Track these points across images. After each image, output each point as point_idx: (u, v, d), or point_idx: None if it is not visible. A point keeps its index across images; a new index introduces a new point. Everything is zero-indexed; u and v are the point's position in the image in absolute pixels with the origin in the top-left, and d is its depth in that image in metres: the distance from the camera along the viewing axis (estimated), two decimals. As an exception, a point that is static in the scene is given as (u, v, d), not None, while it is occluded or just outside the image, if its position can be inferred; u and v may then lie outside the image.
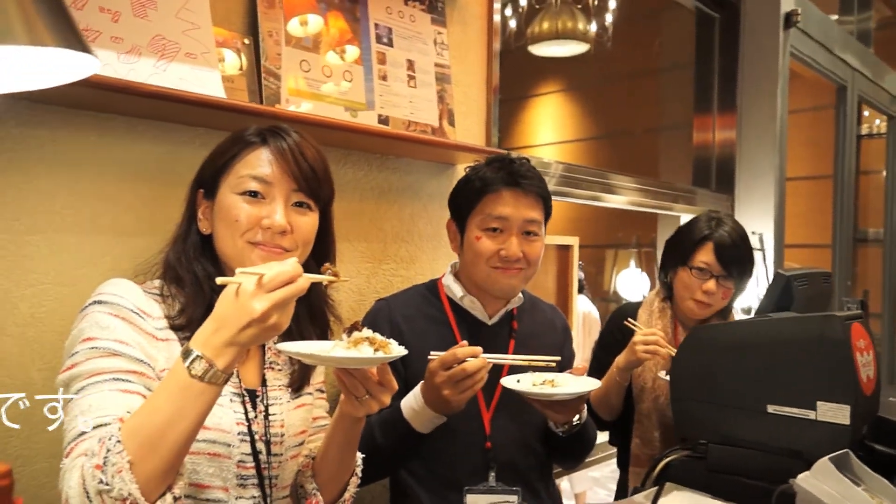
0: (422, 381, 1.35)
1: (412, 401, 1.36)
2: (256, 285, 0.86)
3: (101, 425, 0.92)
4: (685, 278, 1.88)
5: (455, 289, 1.57)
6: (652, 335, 1.74)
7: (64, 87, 0.95)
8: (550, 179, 2.55)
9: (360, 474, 1.24)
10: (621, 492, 2.07)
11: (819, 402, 1.16)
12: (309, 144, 1.15)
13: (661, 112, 5.33)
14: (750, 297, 2.83)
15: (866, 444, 1.23)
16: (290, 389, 1.20)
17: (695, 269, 1.86)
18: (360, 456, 1.24)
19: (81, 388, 0.96)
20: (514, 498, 1.30)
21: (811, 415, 1.17)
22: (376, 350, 1.00)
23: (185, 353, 0.88)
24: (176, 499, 0.91)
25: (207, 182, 1.14)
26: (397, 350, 1.02)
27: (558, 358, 1.40)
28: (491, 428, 1.49)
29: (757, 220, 3.40)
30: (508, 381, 1.38)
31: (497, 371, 1.42)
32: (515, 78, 6.84)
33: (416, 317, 1.54)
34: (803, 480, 1.07)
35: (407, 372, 1.46)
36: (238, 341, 0.87)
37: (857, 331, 1.20)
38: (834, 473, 1.05)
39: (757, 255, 3.37)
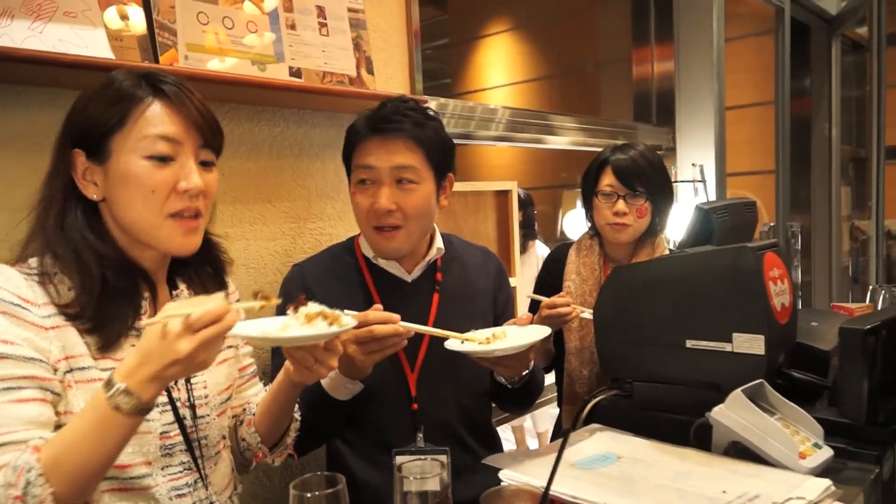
0: None
1: None
2: (183, 325, 0.85)
3: (7, 443, 0.90)
4: (597, 205, 1.91)
5: (367, 248, 1.50)
6: (553, 305, 1.73)
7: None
8: (497, 125, 2.49)
9: (298, 419, 1.29)
10: (557, 429, 2.10)
11: (735, 334, 1.16)
12: (195, 91, 1.09)
13: (604, 48, 5.26)
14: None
15: (784, 371, 1.24)
16: None
17: (601, 193, 1.89)
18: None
19: None
20: (443, 457, 1.28)
21: (727, 347, 1.17)
22: (331, 324, 1.03)
23: (108, 384, 0.88)
24: None
25: (89, 142, 1.02)
26: (347, 321, 1.06)
27: (482, 332, 1.30)
28: (417, 389, 1.45)
29: (699, 151, 3.40)
30: (453, 345, 1.28)
31: (420, 334, 1.32)
32: (461, 19, 6.68)
33: (331, 280, 1.48)
34: (717, 413, 1.08)
35: None
36: (163, 377, 0.88)
37: (771, 260, 1.19)
38: (747, 404, 1.05)
39: (698, 188, 3.41)
